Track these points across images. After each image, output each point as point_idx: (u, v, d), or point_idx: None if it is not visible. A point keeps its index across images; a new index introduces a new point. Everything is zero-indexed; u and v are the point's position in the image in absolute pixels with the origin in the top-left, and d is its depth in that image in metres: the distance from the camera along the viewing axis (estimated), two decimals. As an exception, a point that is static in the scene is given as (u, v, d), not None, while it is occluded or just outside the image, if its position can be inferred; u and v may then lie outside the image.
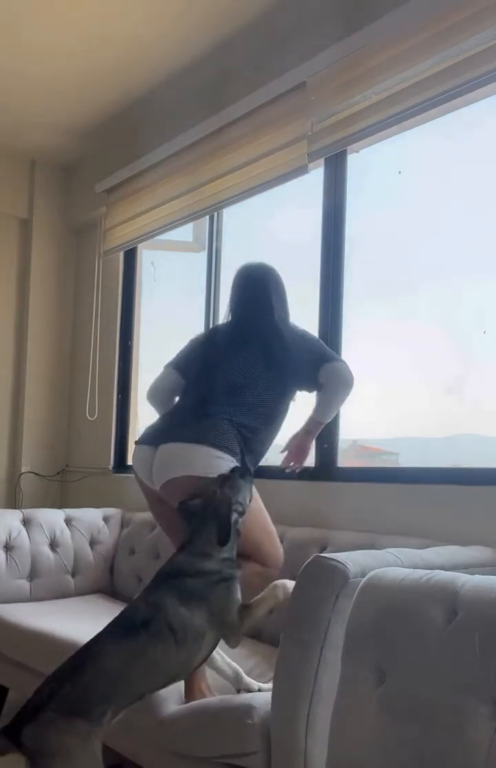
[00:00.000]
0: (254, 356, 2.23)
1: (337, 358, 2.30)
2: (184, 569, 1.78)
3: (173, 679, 1.73)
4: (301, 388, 2.31)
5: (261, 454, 2.22)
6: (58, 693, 1.59)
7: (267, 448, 2.24)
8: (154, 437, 2.19)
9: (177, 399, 2.43)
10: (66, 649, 2.39)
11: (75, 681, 1.61)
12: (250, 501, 1.98)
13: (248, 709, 1.69)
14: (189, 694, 1.93)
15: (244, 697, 1.77)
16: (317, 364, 2.23)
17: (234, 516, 1.83)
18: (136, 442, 2.29)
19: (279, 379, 2.23)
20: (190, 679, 1.91)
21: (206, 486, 1.91)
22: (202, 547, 1.80)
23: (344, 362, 2.26)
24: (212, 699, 1.84)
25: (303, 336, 2.32)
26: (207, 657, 1.78)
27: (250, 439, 2.15)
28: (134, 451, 2.28)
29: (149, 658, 1.67)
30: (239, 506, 1.87)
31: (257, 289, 2.38)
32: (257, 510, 2.10)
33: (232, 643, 1.79)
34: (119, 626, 1.71)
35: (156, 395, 2.46)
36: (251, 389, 2.19)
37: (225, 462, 2.04)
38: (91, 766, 1.58)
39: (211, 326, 2.49)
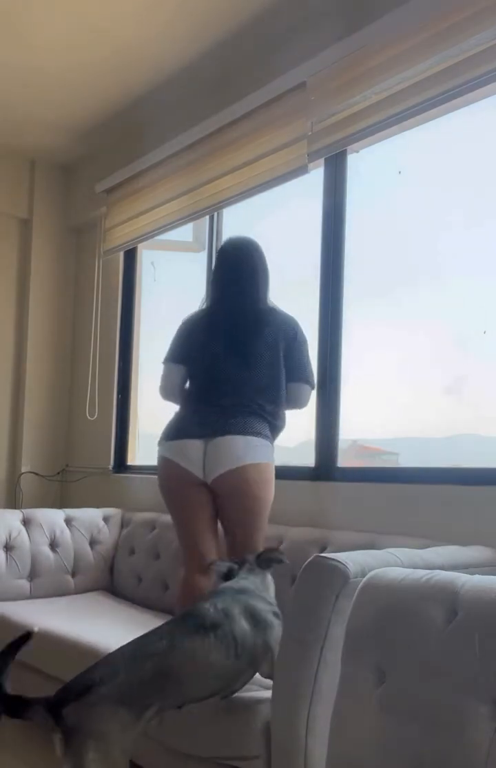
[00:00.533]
0: (265, 343, 2.33)
1: (312, 381, 2.45)
2: (249, 589, 1.84)
3: (217, 692, 1.71)
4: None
5: (281, 429, 2.39)
6: (111, 679, 1.59)
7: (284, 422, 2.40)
8: (202, 431, 2.27)
9: (189, 386, 2.47)
10: (66, 648, 2.40)
11: (131, 670, 1.61)
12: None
13: (251, 714, 1.69)
14: None
15: (247, 700, 1.76)
16: (299, 376, 2.40)
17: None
18: (177, 437, 2.32)
19: (281, 361, 2.36)
20: None
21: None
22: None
23: (311, 388, 2.46)
24: (224, 701, 1.84)
25: (302, 338, 2.45)
26: (245, 684, 1.76)
27: (273, 423, 2.34)
28: (174, 447, 2.31)
29: (209, 661, 1.67)
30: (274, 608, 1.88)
31: (251, 271, 2.44)
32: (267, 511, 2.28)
33: (266, 674, 1.80)
34: (187, 624, 1.71)
35: (171, 392, 2.49)
36: (270, 378, 2.33)
37: (268, 448, 2.27)
38: (122, 757, 1.57)
39: (200, 312, 2.52)
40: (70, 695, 1.58)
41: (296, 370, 2.39)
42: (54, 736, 1.55)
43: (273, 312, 2.42)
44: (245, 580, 1.88)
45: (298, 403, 2.42)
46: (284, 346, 2.36)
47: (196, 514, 2.31)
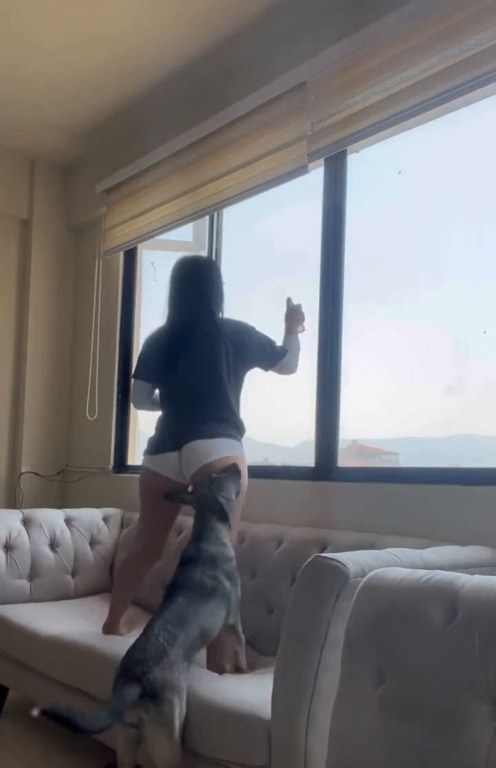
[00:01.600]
0: (223, 354, 2.52)
1: (281, 352, 2.67)
2: (221, 554, 2.22)
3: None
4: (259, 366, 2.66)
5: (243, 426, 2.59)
6: (175, 640, 1.92)
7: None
8: (175, 443, 2.51)
9: (159, 398, 2.69)
10: (67, 651, 2.40)
11: (186, 631, 1.97)
12: (236, 495, 2.39)
13: (257, 722, 1.69)
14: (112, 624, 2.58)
15: (253, 706, 1.76)
16: (272, 359, 2.64)
17: (222, 500, 2.29)
18: (154, 452, 2.58)
19: (244, 364, 2.59)
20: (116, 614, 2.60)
21: (198, 486, 2.41)
22: (216, 535, 2.26)
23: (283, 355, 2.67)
24: (221, 698, 1.84)
25: (251, 328, 2.63)
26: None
27: (237, 422, 2.55)
28: (154, 459, 2.57)
29: (220, 614, 2.11)
30: (223, 498, 2.30)
31: (204, 285, 2.64)
32: (237, 505, 2.45)
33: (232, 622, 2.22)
34: (199, 591, 2.10)
35: (141, 404, 2.75)
36: (230, 383, 2.54)
37: (234, 445, 2.47)
38: (184, 715, 1.85)
39: (160, 329, 2.71)
40: (149, 662, 1.85)
41: (268, 357, 2.63)
42: (133, 709, 1.79)
43: (225, 322, 2.61)
44: (209, 547, 2.23)
45: (290, 371, 2.69)
46: (242, 352, 2.56)
47: (162, 515, 2.63)
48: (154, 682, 1.81)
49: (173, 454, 2.51)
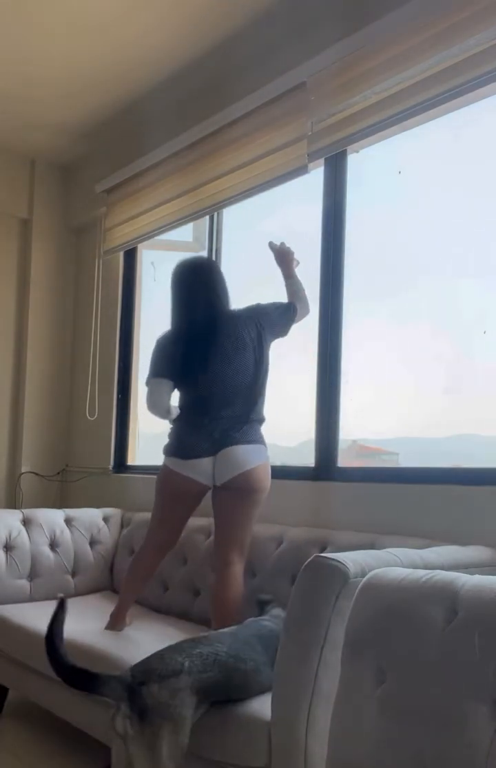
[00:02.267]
0: (244, 346, 2.52)
1: (295, 304, 2.67)
2: (274, 629, 2.02)
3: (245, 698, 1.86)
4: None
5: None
6: (195, 670, 1.72)
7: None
8: (211, 448, 2.50)
9: (178, 401, 2.64)
10: (67, 650, 2.40)
11: (213, 672, 1.75)
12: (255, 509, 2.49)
13: (256, 722, 1.69)
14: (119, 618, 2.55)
15: (253, 706, 1.76)
16: (290, 312, 2.63)
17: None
18: (187, 456, 2.52)
19: (270, 341, 2.59)
20: (124, 607, 2.57)
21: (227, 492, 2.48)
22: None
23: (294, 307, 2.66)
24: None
25: (261, 306, 2.63)
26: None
27: (262, 422, 2.57)
28: (186, 463, 2.52)
29: (258, 679, 1.84)
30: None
31: (211, 284, 2.63)
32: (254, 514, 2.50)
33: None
34: (254, 657, 1.87)
35: (162, 406, 2.63)
36: (261, 378, 2.55)
37: (264, 451, 2.53)
38: (184, 745, 1.66)
39: (172, 330, 2.67)
40: (153, 676, 1.67)
41: (288, 321, 2.63)
42: (122, 714, 1.64)
43: (240, 314, 2.59)
44: (272, 621, 2.08)
45: (306, 314, 2.70)
46: (260, 337, 2.55)
47: (183, 515, 2.62)
48: (145, 698, 1.64)
49: (207, 460, 2.49)
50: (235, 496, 2.48)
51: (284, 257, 2.74)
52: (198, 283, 2.62)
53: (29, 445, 4.24)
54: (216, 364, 2.49)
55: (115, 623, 2.57)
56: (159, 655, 1.76)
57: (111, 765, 1.77)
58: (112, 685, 1.68)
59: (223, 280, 2.65)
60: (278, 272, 2.80)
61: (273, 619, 2.12)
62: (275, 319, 2.60)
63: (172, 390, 2.61)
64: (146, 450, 3.92)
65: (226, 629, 2.01)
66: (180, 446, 2.55)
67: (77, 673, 1.71)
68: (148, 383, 2.65)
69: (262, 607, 2.27)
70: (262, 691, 1.84)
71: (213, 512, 2.57)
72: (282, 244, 2.75)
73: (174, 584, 2.93)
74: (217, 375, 2.49)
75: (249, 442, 2.48)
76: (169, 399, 2.62)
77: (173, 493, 2.59)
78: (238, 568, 2.44)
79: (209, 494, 2.58)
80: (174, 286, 2.66)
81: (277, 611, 2.19)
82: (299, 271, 2.76)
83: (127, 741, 1.64)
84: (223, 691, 1.79)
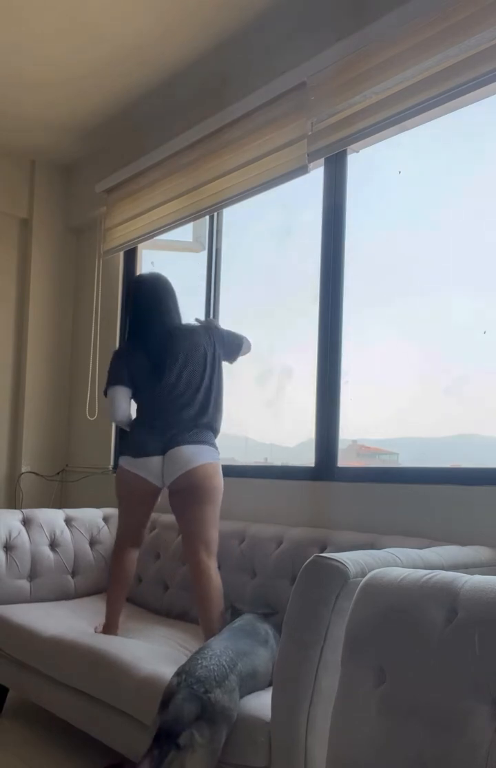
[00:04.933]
0: (207, 355, 2.69)
1: (241, 339, 2.85)
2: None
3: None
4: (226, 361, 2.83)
5: (219, 430, 2.75)
6: (236, 666, 1.83)
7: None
8: (161, 447, 2.63)
9: (137, 407, 2.80)
10: (67, 651, 2.40)
11: (244, 661, 1.88)
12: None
13: (256, 722, 1.69)
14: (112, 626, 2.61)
15: (253, 706, 1.76)
16: (239, 340, 2.84)
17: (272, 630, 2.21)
18: (140, 455, 2.66)
19: (216, 366, 2.73)
20: (114, 615, 2.63)
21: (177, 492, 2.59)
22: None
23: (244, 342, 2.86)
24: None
25: (218, 326, 2.83)
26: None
27: (215, 429, 2.71)
28: (136, 462, 2.67)
29: (268, 664, 1.97)
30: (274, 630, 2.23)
31: (164, 298, 2.80)
32: (216, 509, 2.61)
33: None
34: (255, 637, 2.06)
35: (123, 413, 2.81)
36: (215, 386, 2.70)
37: (213, 452, 2.64)
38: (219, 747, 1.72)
39: (129, 342, 2.85)
40: (212, 682, 1.74)
41: (232, 346, 2.81)
42: (191, 726, 1.67)
43: (197, 328, 2.76)
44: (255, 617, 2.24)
45: (248, 350, 2.89)
46: (214, 350, 2.72)
47: (143, 512, 2.75)
48: (215, 705, 1.70)
49: (157, 459, 2.63)
50: (186, 496, 2.59)
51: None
52: (154, 299, 2.78)
53: (29, 445, 4.24)
54: (171, 372, 2.65)
55: (108, 630, 2.63)
56: (198, 664, 1.80)
57: (112, 765, 1.77)
58: (186, 709, 1.69)
59: (175, 296, 2.82)
60: (277, 272, 2.80)
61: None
62: (227, 340, 2.79)
63: (130, 397, 2.78)
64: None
65: (218, 637, 2.05)
66: (133, 445, 2.70)
67: (161, 737, 1.70)
68: (107, 392, 2.82)
69: (234, 614, 2.34)
70: (268, 682, 1.93)
71: (174, 515, 2.68)
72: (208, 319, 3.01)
73: (173, 584, 2.93)
74: (172, 382, 2.65)
75: (196, 442, 2.60)
76: (128, 406, 2.80)
77: (127, 492, 2.72)
78: (208, 565, 2.54)
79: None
80: (135, 299, 2.83)
81: (248, 617, 2.25)
82: (299, 271, 2.76)
83: (190, 751, 1.66)
84: (251, 684, 1.88)
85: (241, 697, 1.82)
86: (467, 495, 2.23)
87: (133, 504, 2.73)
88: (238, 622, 2.17)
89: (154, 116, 3.65)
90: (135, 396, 2.78)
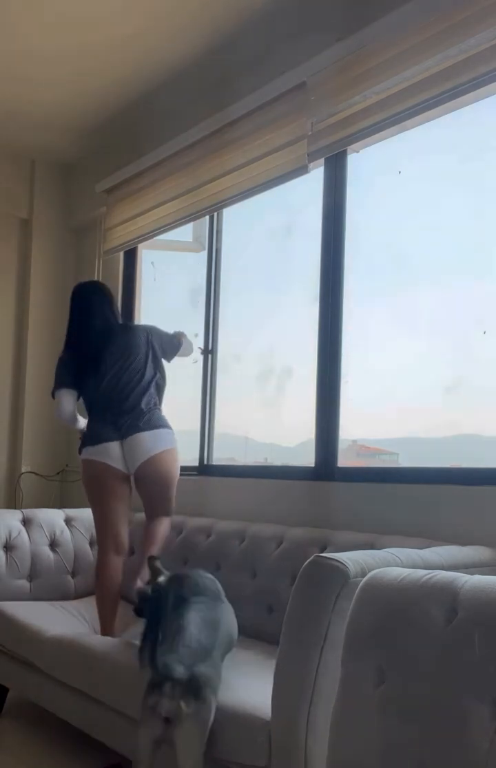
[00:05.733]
0: (136, 351, 2.85)
1: (180, 339, 3.02)
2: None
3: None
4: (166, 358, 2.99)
5: None
6: (216, 641, 1.91)
7: None
8: (118, 433, 2.78)
9: (87, 401, 2.93)
10: (67, 650, 2.40)
11: (220, 634, 1.96)
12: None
13: (256, 722, 1.69)
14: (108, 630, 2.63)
15: (253, 706, 1.76)
16: (179, 342, 3.00)
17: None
18: (99, 441, 2.79)
19: (155, 359, 2.90)
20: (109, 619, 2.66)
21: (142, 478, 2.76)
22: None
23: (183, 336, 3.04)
24: (221, 699, 1.83)
25: (156, 327, 3.00)
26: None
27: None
28: (97, 449, 2.79)
29: (233, 617, 2.12)
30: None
31: (100, 302, 3.01)
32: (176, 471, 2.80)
33: None
34: (209, 594, 2.11)
35: (70, 414, 2.95)
36: (158, 377, 2.87)
37: (170, 435, 2.81)
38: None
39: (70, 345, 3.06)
40: (197, 657, 1.81)
41: (169, 346, 2.98)
42: (167, 697, 1.75)
43: (130, 327, 3.06)
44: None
45: (187, 352, 3.06)
46: (151, 345, 2.88)
47: (117, 504, 2.80)
48: (199, 677, 1.77)
49: (115, 444, 2.76)
50: (150, 483, 2.78)
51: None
52: (88, 304, 3.00)
53: (29, 445, 4.24)
54: (112, 369, 2.82)
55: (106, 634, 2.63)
56: (180, 644, 1.85)
57: (138, 749, 1.82)
58: (177, 669, 1.76)
59: (110, 300, 3.03)
60: (277, 272, 2.80)
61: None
62: (164, 338, 2.97)
63: (77, 398, 2.93)
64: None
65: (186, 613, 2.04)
66: (89, 436, 2.84)
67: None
68: (54, 395, 2.95)
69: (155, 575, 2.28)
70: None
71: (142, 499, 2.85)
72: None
73: None
74: (115, 378, 2.82)
75: (152, 428, 2.76)
76: (73, 407, 2.94)
77: (97, 483, 2.80)
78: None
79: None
80: (72, 305, 3.06)
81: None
82: (299, 271, 2.77)
83: (178, 724, 1.73)
84: (228, 643, 2.00)
85: (223, 658, 1.94)
86: (467, 495, 2.23)
87: (106, 495, 2.79)
88: (188, 586, 2.13)
89: (154, 116, 3.65)
90: (83, 395, 2.92)
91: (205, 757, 1.78)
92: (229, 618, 2.09)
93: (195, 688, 1.75)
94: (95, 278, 4.15)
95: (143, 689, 1.81)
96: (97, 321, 2.94)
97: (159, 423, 2.79)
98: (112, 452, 2.76)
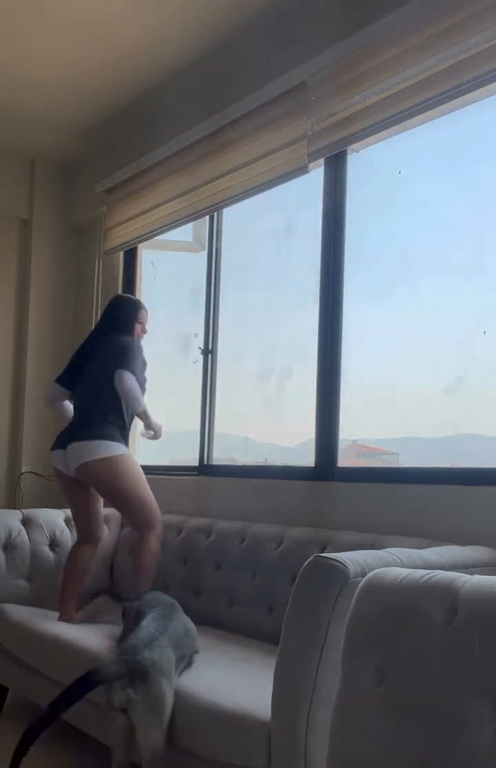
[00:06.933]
0: (101, 365, 2.94)
1: (126, 367, 2.87)
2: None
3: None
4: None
5: (129, 424, 2.96)
6: (165, 630, 2.04)
7: (129, 419, 2.96)
8: (63, 441, 2.93)
9: (68, 404, 3.14)
10: (67, 651, 2.40)
11: (174, 624, 2.11)
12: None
13: (256, 723, 1.69)
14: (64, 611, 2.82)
15: (252, 706, 1.76)
16: (115, 366, 2.89)
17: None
18: (54, 447, 2.98)
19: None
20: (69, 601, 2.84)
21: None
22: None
23: (128, 373, 2.86)
24: (220, 699, 1.83)
25: (123, 345, 2.96)
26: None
27: (117, 424, 2.89)
28: (53, 454, 2.98)
29: (189, 623, 2.27)
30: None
31: (115, 314, 3.11)
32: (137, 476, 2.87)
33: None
34: (167, 605, 2.30)
35: (50, 404, 3.19)
36: (109, 392, 2.88)
37: (105, 446, 2.83)
38: (171, 702, 1.89)
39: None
40: (140, 645, 1.93)
41: (113, 363, 2.95)
42: (118, 688, 1.84)
43: (112, 342, 2.99)
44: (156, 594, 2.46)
45: (120, 388, 2.87)
46: (115, 365, 2.91)
47: (78, 504, 3.01)
48: (142, 662, 1.86)
49: (59, 451, 2.94)
50: (100, 493, 2.96)
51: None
52: (103, 314, 3.16)
53: (29, 445, 4.24)
54: (85, 374, 2.99)
55: (63, 614, 2.81)
56: (131, 635, 2.01)
57: (112, 745, 1.94)
58: (111, 668, 1.87)
59: (120, 314, 3.08)
60: (277, 272, 2.80)
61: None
62: (118, 364, 2.93)
63: (61, 393, 3.11)
64: (145, 450, 3.91)
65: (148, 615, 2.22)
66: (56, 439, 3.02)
67: (79, 683, 1.86)
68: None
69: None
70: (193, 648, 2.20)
71: None
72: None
73: (174, 584, 2.93)
74: (84, 383, 2.99)
75: (87, 438, 2.84)
76: (55, 399, 3.14)
77: (61, 484, 3.04)
78: (149, 541, 2.86)
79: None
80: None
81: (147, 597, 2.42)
82: (299, 271, 2.76)
83: (133, 710, 1.84)
84: (183, 644, 2.09)
85: (186, 655, 2.07)
86: (467, 495, 2.23)
87: (65, 494, 3.04)
88: (146, 602, 2.32)
89: (154, 116, 3.65)
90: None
91: (205, 758, 1.78)
92: (183, 619, 2.23)
93: (141, 673, 1.85)
94: (95, 278, 4.15)
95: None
96: (100, 332, 3.10)
97: (100, 434, 2.84)
98: (58, 458, 2.96)
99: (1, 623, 2.82)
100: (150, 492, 2.91)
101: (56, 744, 2.62)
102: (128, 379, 2.84)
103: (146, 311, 3.14)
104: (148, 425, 2.98)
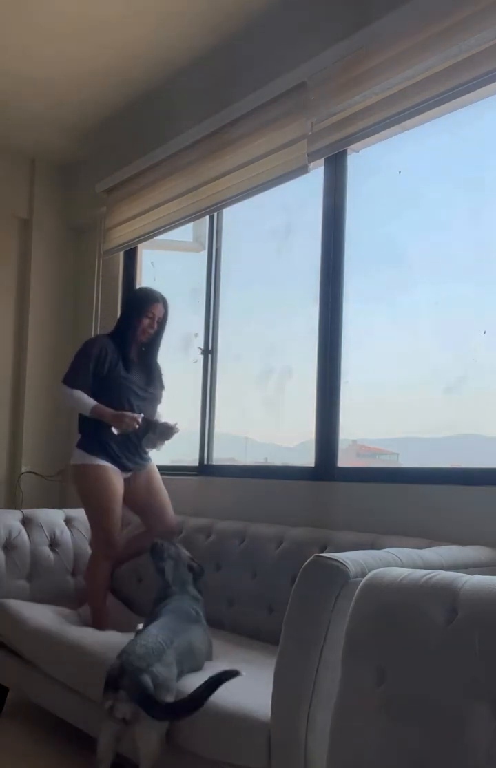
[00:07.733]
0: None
1: (64, 380, 3.00)
2: (198, 598, 2.43)
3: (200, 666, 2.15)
4: None
5: (109, 435, 2.89)
6: (172, 642, 2.00)
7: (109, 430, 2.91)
8: None
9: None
10: (66, 651, 2.40)
11: (180, 638, 2.06)
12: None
13: (256, 723, 1.69)
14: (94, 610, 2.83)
15: (252, 707, 1.76)
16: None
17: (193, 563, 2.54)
18: None
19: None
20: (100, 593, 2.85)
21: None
22: (190, 586, 2.46)
23: (63, 386, 2.99)
24: (220, 700, 1.83)
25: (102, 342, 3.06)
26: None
27: (90, 432, 2.93)
28: None
29: (204, 639, 2.21)
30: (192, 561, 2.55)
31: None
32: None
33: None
34: (185, 617, 2.24)
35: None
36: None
37: (78, 453, 2.94)
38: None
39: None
40: (152, 658, 1.90)
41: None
42: (122, 700, 1.83)
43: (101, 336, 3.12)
44: (190, 590, 2.43)
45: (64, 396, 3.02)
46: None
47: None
48: (157, 677, 1.85)
49: None
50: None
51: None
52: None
53: (29, 445, 4.24)
54: None
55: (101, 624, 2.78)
56: (137, 644, 1.96)
57: (98, 751, 1.90)
58: (138, 681, 1.83)
59: (123, 311, 3.18)
60: (277, 272, 2.80)
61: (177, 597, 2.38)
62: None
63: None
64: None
65: (154, 620, 2.20)
66: None
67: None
68: None
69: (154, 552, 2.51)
70: (205, 657, 2.17)
71: None
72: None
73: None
74: None
75: (77, 445, 2.99)
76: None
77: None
78: (94, 554, 2.92)
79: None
80: None
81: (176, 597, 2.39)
82: (299, 271, 2.76)
83: (136, 722, 1.82)
84: (188, 659, 2.05)
85: (184, 671, 1.99)
86: (467, 495, 2.23)
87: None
88: (171, 604, 2.30)
89: (154, 116, 3.65)
90: None
91: (206, 759, 1.79)
92: (196, 634, 2.17)
93: (152, 689, 1.82)
94: (95, 278, 4.15)
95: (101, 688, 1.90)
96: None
97: (78, 442, 2.98)
98: None
99: (8, 619, 2.81)
100: (113, 512, 2.85)
101: (57, 744, 2.62)
102: (61, 392, 2.99)
103: (154, 303, 3.00)
104: (116, 428, 2.87)
